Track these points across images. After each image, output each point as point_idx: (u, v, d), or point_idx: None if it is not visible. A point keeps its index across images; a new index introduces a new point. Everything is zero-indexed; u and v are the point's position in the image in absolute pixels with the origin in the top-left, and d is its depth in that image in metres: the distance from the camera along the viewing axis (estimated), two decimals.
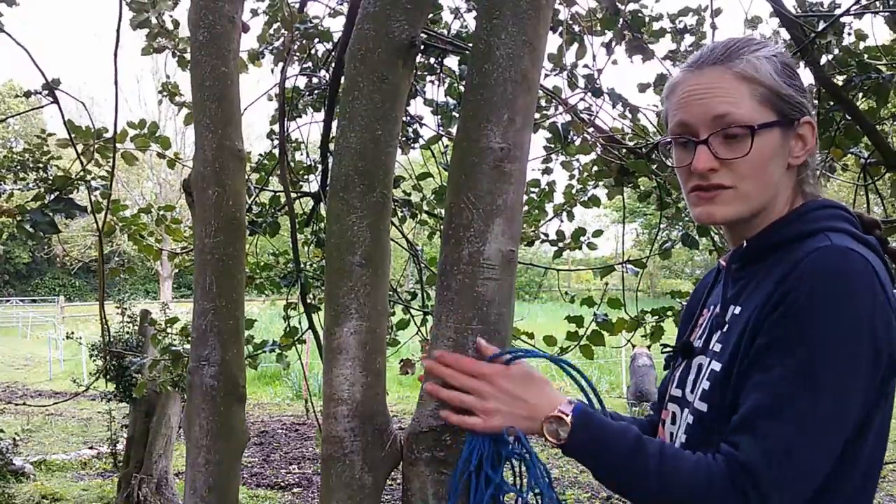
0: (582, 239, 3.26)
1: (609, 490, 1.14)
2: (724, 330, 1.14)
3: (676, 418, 1.21)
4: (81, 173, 2.93)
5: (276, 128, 3.28)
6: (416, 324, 3.47)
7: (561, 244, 3.33)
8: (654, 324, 2.99)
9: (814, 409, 0.98)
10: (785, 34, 2.75)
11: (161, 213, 3.35)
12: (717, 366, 1.11)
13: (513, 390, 1.11)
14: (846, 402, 0.99)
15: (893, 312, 1.02)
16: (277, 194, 3.21)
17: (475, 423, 1.11)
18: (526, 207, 3.35)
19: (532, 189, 3.38)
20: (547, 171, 3.37)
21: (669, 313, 2.92)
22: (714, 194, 1.12)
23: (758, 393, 1.01)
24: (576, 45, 3.05)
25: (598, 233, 3.34)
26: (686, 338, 1.29)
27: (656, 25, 3.03)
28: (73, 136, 2.92)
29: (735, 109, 1.09)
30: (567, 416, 1.08)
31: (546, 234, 3.38)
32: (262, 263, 3.37)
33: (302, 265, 3.09)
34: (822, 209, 1.13)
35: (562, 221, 3.41)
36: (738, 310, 1.13)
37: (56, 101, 2.81)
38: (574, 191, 3.37)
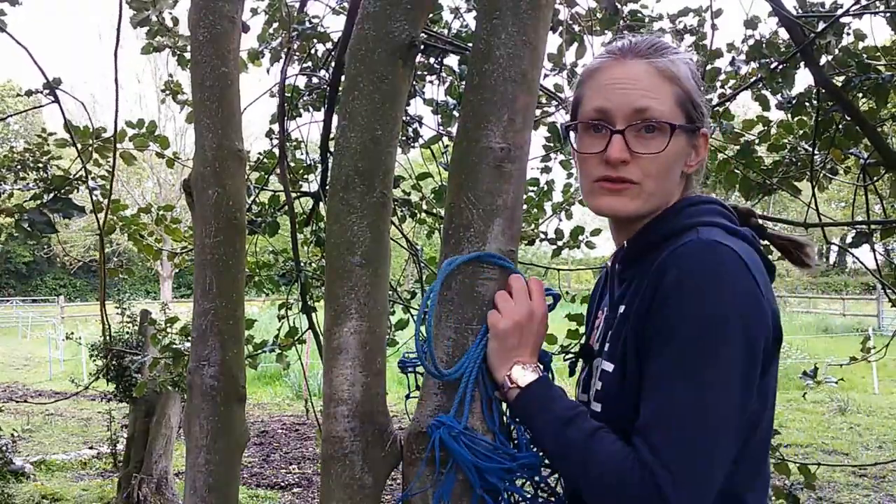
0: (580, 237, 3.26)
1: (547, 460, 1.18)
2: (613, 331, 1.15)
3: None
4: (80, 173, 2.93)
5: (276, 127, 3.28)
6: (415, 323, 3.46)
7: (560, 243, 3.33)
8: None
9: (702, 403, 0.96)
10: (784, 34, 2.75)
11: (160, 212, 3.35)
12: (608, 366, 1.12)
13: (530, 326, 1.17)
14: (730, 391, 0.97)
15: (765, 298, 1.01)
16: (277, 194, 3.21)
17: (493, 317, 1.17)
18: (525, 206, 3.34)
19: (531, 188, 3.38)
20: (546, 170, 3.37)
21: None
22: (622, 187, 1.12)
23: (651, 397, 1.00)
24: (576, 45, 3.05)
25: (596, 231, 3.34)
26: (586, 342, 1.31)
27: (656, 26, 3.03)
28: (72, 135, 2.92)
29: (656, 105, 1.10)
30: (536, 370, 1.15)
31: (545, 233, 3.38)
32: (261, 262, 3.37)
33: (302, 265, 3.09)
34: (697, 205, 1.13)
35: (560, 220, 3.41)
36: (622, 308, 1.14)
37: (57, 100, 2.81)
38: (572, 189, 3.37)
